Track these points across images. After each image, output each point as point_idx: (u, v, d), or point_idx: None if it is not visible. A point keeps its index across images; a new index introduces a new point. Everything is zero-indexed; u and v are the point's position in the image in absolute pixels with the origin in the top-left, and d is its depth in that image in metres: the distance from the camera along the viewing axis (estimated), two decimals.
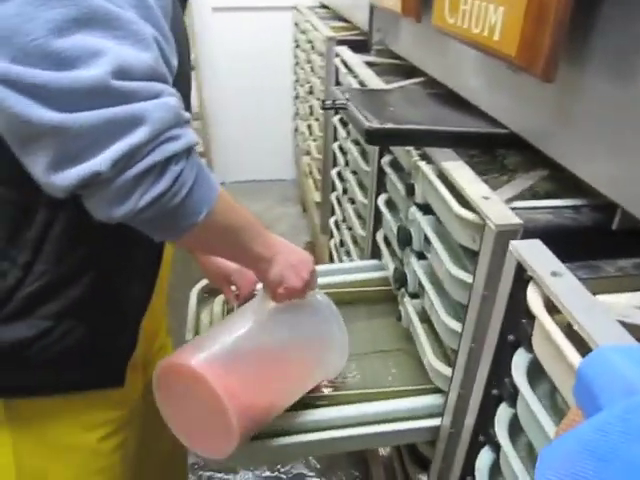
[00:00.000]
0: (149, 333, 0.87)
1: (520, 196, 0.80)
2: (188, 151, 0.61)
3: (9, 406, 0.76)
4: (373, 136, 0.89)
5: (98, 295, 0.75)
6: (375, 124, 0.89)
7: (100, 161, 0.53)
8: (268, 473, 1.71)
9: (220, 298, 1.22)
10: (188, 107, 0.81)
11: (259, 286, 1.07)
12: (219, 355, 0.81)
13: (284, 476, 1.70)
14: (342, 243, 1.86)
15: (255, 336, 0.87)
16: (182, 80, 0.70)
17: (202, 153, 3.44)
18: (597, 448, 0.38)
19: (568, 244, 0.66)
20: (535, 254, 0.61)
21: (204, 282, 1.26)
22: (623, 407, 0.40)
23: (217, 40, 3.37)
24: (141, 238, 0.68)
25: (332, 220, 2.03)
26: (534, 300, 0.58)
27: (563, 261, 0.62)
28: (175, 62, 0.64)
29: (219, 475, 1.70)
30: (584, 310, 0.52)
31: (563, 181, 0.84)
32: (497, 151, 0.99)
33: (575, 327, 0.51)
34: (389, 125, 0.88)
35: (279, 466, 1.73)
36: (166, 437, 0.88)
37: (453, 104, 1.06)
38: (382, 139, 0.92)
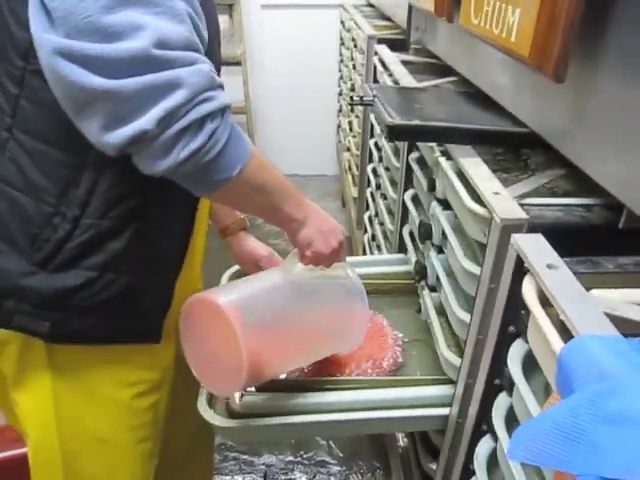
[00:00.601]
0: (181, 302, 0.93)
1: (535, 193, 0.82)
2: (222, 111, 0.68)
3: (51, 351, 0.83)
4: (394, 132, 0.92)
5: (137, 249, 0.81)
6: (397, 120, 0.92)
7: (146, 120, 0.62)
8: (291, 458, 1.76)
9: None
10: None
11: None
12: (243, 299, 0.87)
13: (307, 462, 1.75)
14: (374, 237, 1.89)
15: (278, 291, 0.92)
16: (213, 53, 0.77)
17: None
18: (566, 428, 0.41)
19: (574, 241, 0.68)
20: (534, 247, 0.64)
21: (236, 267, 1.32)
22: (593, 391, 0.43)
23: (265, 36, 3.44)
24: (177, 197, 0.78)
25: (366, 215, 2.07)
26: (528, 291, 0.60)
27: (566, 256, 0.64)
28: (206, 35, 0.71)
29: (244, 457, 1.76)
30: (572, 301, 0.54)
31: (584, 180, 0.86)
32: (522, 150, 1.00)
33: (561, 317, 0.54)
34: (410, 121, 0.90)
35: (302, 452, 1.78)
36: (195, 414, 0.94)
37: (481, 103, 1.08)
38: (403, 135, 0.95)
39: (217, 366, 0.88)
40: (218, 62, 0.86)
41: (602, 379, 0.45)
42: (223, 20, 3.37)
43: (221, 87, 0.69)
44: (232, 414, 0.98)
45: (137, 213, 0.79)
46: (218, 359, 0.87)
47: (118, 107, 0.61)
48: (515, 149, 0.99)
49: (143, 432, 0.95)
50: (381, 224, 1.76)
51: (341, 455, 1.77)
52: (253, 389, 1.00)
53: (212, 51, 0.76)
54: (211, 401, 1.01)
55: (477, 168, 0.86)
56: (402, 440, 1.35)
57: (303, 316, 0.95)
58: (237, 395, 1.00)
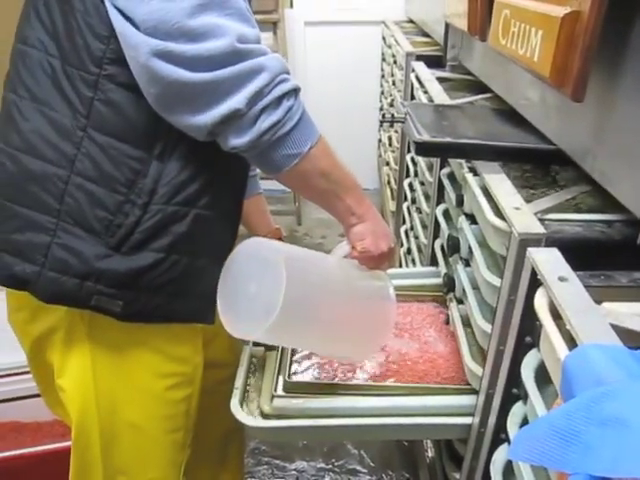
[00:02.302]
0: None
1: (557, 209, 0.84)
2: (296, 92, 0.80)
3: (93, 340, 0.90)
4: (422, 148, 0.96)
5: (198, 232, 0.89)
6: (425, 137, 0.96)
7: (237, 100, 0.74)
8: (323, 465, 1.79)
9: None
10: None
11: None
12: (294, 254, 0.96)
13: (337, 469, 1.77)
14: (409, 251, 1.92)
15: (327, 266, 0.98)
16: None
17: None
18: (562, 430, 0.44)
19: (592, 255, 0.71)
20: (548, 260, 0.66)
21: None
22: (588, 396, 0.45)
23: (308, 52, 3.52)
24: (231, 186, 0.92)
25: (403, 229, 2.09)
26: (540, 302, 0.63)
27: (583, 270, 0.66)
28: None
29: (277, 462, 1.81)
30: (579, 312, 0.57)
31: (609, 197, 0.87)
32: (552, 167, 1.02)
33: (567, 326, 0.56)
34: (436, 138, 0.94)
35: (334, 459, 1.81)
36: (225, 416, 0.99)
37: (513, 120, 1.11)
38: (430, 151, 0.99)
39: (246, 307, 0.89)
40: None
41: (599, 385, 0.48)
42: (267, 37, 3.47)
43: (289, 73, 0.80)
44: (263, 415, 1.03)
45: (198, 199, 0.88)
46: (250, 300, 0.88)
47: (215, 93, 0.74)
48: (544, 166, 1.01)
49: (175, 422, 1.00)
50: (416, 238, 1.79)
51: (372, 465, 1.79)
52: (282, 392, 1.05)
53: None
54: (243, 402, 1.06)
55: (501, 184, 0.88)
56: (430, 450, 1.37)
57: (341, 299, 0.99)
58: (267, 397, 1.05)
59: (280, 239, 1.23)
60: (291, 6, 3.45)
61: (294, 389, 1.06)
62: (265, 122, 0.77)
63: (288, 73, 0.79)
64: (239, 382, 1.07)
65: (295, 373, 1.11)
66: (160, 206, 0.85)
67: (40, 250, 0.83)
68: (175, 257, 0.88)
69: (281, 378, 1.08)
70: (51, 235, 0.83)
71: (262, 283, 0.86)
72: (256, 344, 1.17)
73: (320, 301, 0.94)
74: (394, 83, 2.46)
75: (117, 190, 0.83)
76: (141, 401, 0.96)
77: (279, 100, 0.77)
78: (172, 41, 0.71)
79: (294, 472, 1.77)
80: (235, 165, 0.92)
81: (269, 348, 1.18)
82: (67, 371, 0.93)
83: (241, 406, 1.04)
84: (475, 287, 1.00)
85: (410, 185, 1.90)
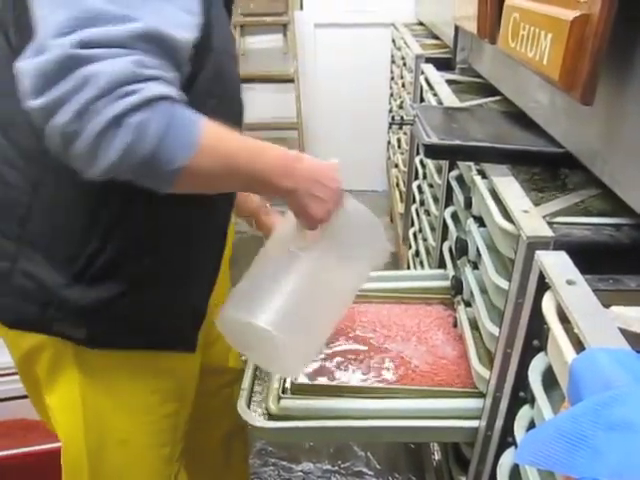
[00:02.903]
0: (209, 320, 0.98)
1: (566, 212, 0.84)
2: (148, 103, 0.63)
3: (81, 356, 0.87)
4: (431, 151, 0.96)
5: (166, 264, 0.86)
6: (433, 139, 0.96)
7: (61, 116, 0.61)
8: (329, 466, 1.79)
9: None
10: (238, 100, 0.90)
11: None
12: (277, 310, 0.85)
13: (344, 472, 1.77)
14: (417, 253, 1.91)
15: (302, 277, 0.88)
16: (227, 70, 0.82)
17: None
18: (569, 434, 0.44)
19: (600, 259, 0.70)
20: (556, 264, 0.66)
21: None
22: (596, 400, 0.45)
23: (318, 54, 3.53)
24: (200, 215, 0.82)
25: (411, 231, 2.09)
26: (548, 306, 0.63)
27: (592, 274, 0.66)
28: (186, 38, 0.69)
29: (283, 463, 1.81)
30: (587, 316, 0.57)
31: (619, 200, 0.87)
32: (561, 170, 1.02)
33: (575, 330, 0.56)
34: (445, 141, 0.94)
35: (340, 461, 1.80)
36: (229, 416, 0.98)
37: (522, 123, 1.11)
38: (439, 154, 0.99)
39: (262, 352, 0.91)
40: (232, 75, 0.87)
41: (606, 389, 0.47)
42: (277, 38, 3.48)
43: (155, 79, 0.64)
44: (270, 416, 1.03)
45: (164, 230, 0.84)
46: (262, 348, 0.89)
47: (57, 119, 0.62)
48: (553, 169, 1.01)
49: (163, 437, 0.99)
50: (424, 240, 1.79)
51: (378, 467, 1.79)
52: (289, 393, 1.05)
53: (222, 62, 0.80)
54: (250, 403, 1.06)
55: (509, 186, 0.88)
56: (437, 454, 1.37)
57: (329, 285, 0.94)
58: (274, 399, 1.05)
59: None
60: (301, 8, 3.45)
61: (301, 390, 1.06)
62: (111, 149, 0.62)
63: (141, 81, 0.63)
64: (246, 383, 1.08)
65: (303, 374, 1.12)
66: (123, 236, 0.81)
67: (1, 276, 0.82)
68: (141, 289, 0.85)
69: (288, 379, 1.08)
70: (12, 261, 0.81)
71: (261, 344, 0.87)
72: None
73: (315, 312, 0.91)
74: (403, 85, 2.46)
75: (79, 219, 0.79)
76: (129, 418, 0.94)
77: (121, 118, 0.62)
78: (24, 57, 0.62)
79: (300, 473, 1.77)
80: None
81: None
82: (55, 390, 0.92)
83: (248, 407, 1.04)
84: (483, 290, 0.99)
85: (419, 187, 1.90)
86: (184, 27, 0.68)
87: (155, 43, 0.65)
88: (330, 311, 0.96)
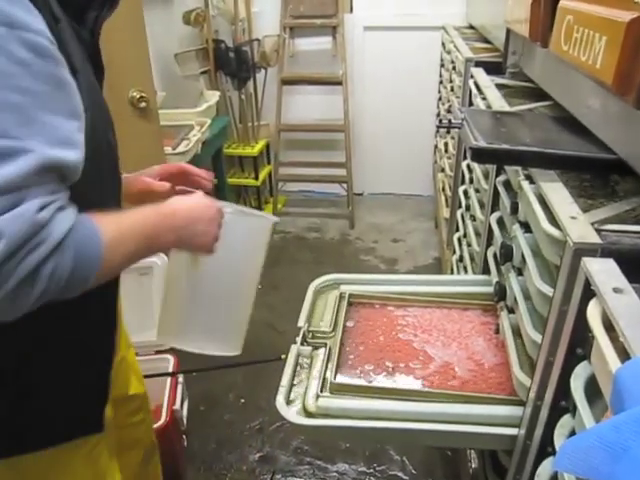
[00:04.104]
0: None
1: (616, 219, 0.82)
2: (57, 247, 0.63)
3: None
4: (477, 154, 0.95)
5: (54, 368, 0.84)
6: (481, 143, 0.95)
7: None
8: (364, 469, 1.79)
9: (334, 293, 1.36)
10: (115, 172, 0.90)
11: None
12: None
13: (379, 474, 1.77)
14: (461, 259, 1.90)
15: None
16: (103, 151, 0.80)
17: (343, 164, 3.62)
18: (610, 444, 0.43)
19: None
20: (603, 271, 0.65)
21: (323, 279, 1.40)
22: None
23: (366, 57, 3.54)
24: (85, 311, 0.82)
25: (456, 236, 2.07)
26: (593, 313, 0.62)
27: (637, 283, 0.64)
28: (76, 159, 0.66)
29: (318, 462, 1.82)
30: (633, 324, 0.55)
31: None
32: (611, 177, 0.99)
33: (620, 338, 0.55)
34: (493, 145, 0.93)
35: (375, 464, 1.80)
36: (142, 440, 1.07)
37: (572, 128, 1.08)
38: (486, 158, 0.98)
39: None
40: (110, 153, 0.86)
41: None
42: (327, 41, 3.50)
43: (56, 212, 0.63)
44: (307, 414, 1.04)
45: (46, 336, 0.82)
46: None
47: None
48: (603, 175, 0.98)
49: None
50: (469, 245, 1.77)
51: (414, 472, 1.77)
52: (327, 392, 1.06)
53: (102, 146, 0.80)
54: (288, 400, 1.08)
55: (557, 192, 0.87)
56: (474, 461, 1.35)
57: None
58: (313, 397, 1.06)
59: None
60: (351, 11, 3.47)
61: (340, 390, 1.07)
62: (29, 298, 0.62)
63: (43, 228, 0.61)
64: (285, 380, 1.09)
65: (341, 374, 1.12)
66: (1, 350, 0.78)
67: None
68: (30, 396, 0.83)
69: (327, 378, 1.09)
70: None
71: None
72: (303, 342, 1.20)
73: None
74: (452, 89, 2.44)
75: None
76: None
77: (35, 271, 0.61)
78: None
79: (335, 474, 1.78)
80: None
81: (316, 347, 1.19)
82: None
83: (286, 404, 1.06)
84: (527, 296, 0.98)
85: (465, 192, 1.88)
86: (73, 142, 0.66)
87: (49, 173, 0.63)
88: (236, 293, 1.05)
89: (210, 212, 0.90)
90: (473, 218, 1.70)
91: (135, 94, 1.91)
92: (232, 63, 3.26)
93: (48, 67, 0.62)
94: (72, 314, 0.83)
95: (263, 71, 3.48)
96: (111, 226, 0.71)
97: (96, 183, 0.79)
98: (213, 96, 3.01)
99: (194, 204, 0.89)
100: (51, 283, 0.63)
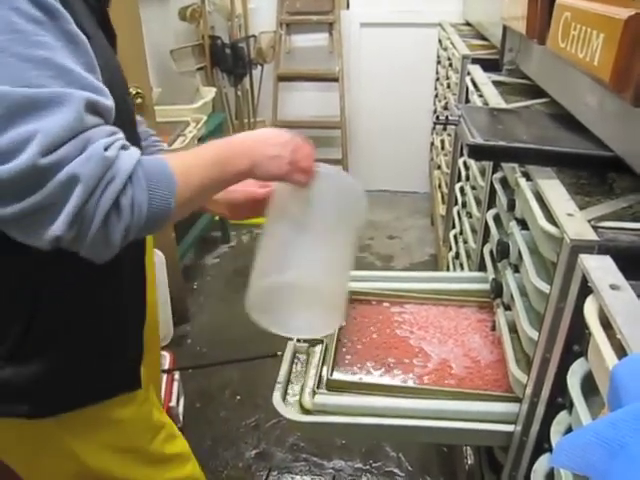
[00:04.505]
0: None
1: (613, 217, 0.82)
2: (129, 180, 0.65)
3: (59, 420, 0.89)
4: (475, 151, 0.95)
5: (94, 328, 0.87)
6: (478, 140, 0.95)
7: (57, 227, 0.61)
8: (360, 465, 1.79)
9: None
10: (131, 128, 0.88)
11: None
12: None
13: (375, 471, 1.77)
14: (457, 255, 1.90)
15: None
16: (122, 109, 0.77)
17: (339, 160, 3.61)
18: (607, 440, 0.43)
19: None
20: (600, 268, 0.65)
21: None
22: (638, 406, 0.44)
23: (363, 53, 3.53)
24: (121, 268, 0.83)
25: (452, 233, 2.07)
26: (590, 310, 0.62)
27: (634, 280, 0.64)
28: (110, 103, 0.67)
29: (314, 459, 1.82)
30: (631, 321, 0.55)
31: None
32: (608, 174, 0.99)
33: (618, 335, 0.55)
34: (490, 142, 0.93)
35: (371, 460, 1.81)
36: None
37: (569, 125, 1.08)
38: (483, 154, 0.98)
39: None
40: (128, 116, 0.86)
41: None
42: (323, 37, 3.50)
43: (124, 148, 0.66)
44: (304, 410, 1.04)
45: (86, 297, 0.84)
46: None
47: (29, 224, 0.62)
48: (600, 173, 0.98)
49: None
50: (465, 242, 1.77)
51: (410, 469, 1.78)
52: (324, 389, 1.06)
53: (121, 107, 0.77)
54: (285, 397, 1.08)
55: (554, 189, 0.87)
56: (470, 458, 1.35)
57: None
58: (309, 393, 1.06)
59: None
60: (347, 7, 3.46)
61: (336, 387, 1.07)
62: (116, 234, 0.64)
63: (113, 164, 0.63)
64: (281, 377, 1.09)
65: (338, 371, 1.12)
66: (48, 313, 0.80)
67: None
68: (73, 355, 0.85)
69: (324, 375, 1.09)
70: None
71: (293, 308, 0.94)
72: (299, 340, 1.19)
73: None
74: (449, 86, 2.44)
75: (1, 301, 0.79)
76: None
77: (117, 203, 0.64)
78: None
79: (331, 470, 1.78)
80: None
81: (313, 344, 1.19)
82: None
83: (283, 400, 1.06)
84: (523, 293, 0.98)
85: (461, 189, 1.88)
86: (102, 90, 0.67)
87: (97, 113, 0.65)
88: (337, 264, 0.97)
89: (282, 137, 0.87)
90: (469, 215, 1.70)
91: (131, 90, 1.90)
92: (228, 59, 3.25)
93: (60, 24, 0.63)
94: (107, 276, 0.84)
95: (259, 67, 3.48)
96: (178, 160, 0.74)
97: None
98: (209, 92, 3.00)
99: (264, 130, 0.88)
100: (133, 213, 0.65)
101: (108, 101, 0.67)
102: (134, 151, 0.68)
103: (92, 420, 0.92)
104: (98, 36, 0.75)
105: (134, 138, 0.90)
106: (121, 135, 0.68)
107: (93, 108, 0.64)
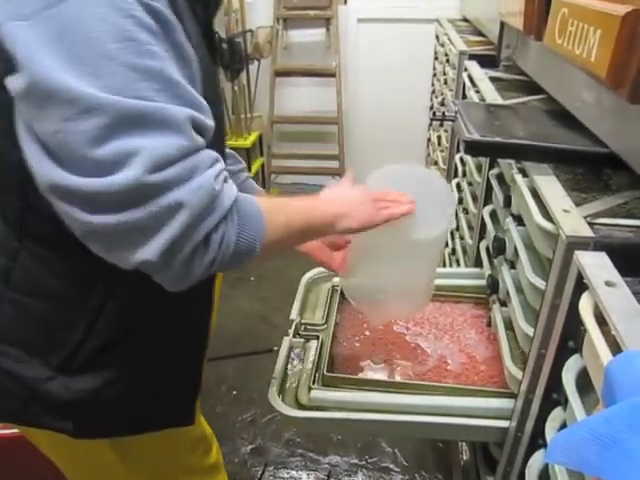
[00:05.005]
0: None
1: (608, 213, 0.82)
2: (226, 216, 0.64)
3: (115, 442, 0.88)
4: (471, 147, 0.95)
5: (155, 344, 0.83)
6: (474, 136, 0.95)
7: (149, 251, 0.59)
8: (356, 460, 1.80)
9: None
10: (223, 149, 0.85)
11: None
12: None
13: (371, 466, 1.78)
14: (454, 251, 1.90)
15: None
16: (217, 131, 0.75)
17: (336, 156, 3.61)
18: (601, 436, 0.43)
19: None
20: (595, 264, 0.65)
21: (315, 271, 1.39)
22: (632, 403, 0.45)
23: (360, 49, 3.52)
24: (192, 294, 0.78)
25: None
26: (585, 306, 0.62)
27: (630, 276, 0.64)
28: (211, 123, 0.66)
29: (310, 454, 1.82)
30: (626, 318, 0.56)
31: None
32: (605, 171, 0.99)
33: (612, 332, 0.55)
34: (486, 138, 0.93)
35: (367, 456, 1.81)
36: None
37: (566, 122, 1.08)
38: (480, 150, 0.98)
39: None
40: (222, 137, 0.85)
41: None
42: (320, 33, 3.49)
43: (223, 182, 0.64)
44: (300, 406, 1.04)
45: (150, 312, 0.81)
46: None
47: (119, 240, 0.60)
48: (596, 169, 0.98)
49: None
50: (461, 238, 1.77)
51: (405, 464, 1.78)
52: (320, 384, 1.06)
53: (217, 130, 0.75)
54: (280, 392, 1.08)
55: (550, 185, 0.87)
56: (465, 453, 1.36)
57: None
58: (305, 389, 1.06)
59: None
60: (345, 2, 3.45)
61: (332, 382, 1.07)
62: (197, 267, 0.63)
63: (217, 197, 0.62)
64: (277, 372, 1.09)
65: (333, 366, 1.13)
66: (107, 323, 0.77)
67: None
68: (130, 373, 0.82)
69: (320, 371, 1.09)
70: None
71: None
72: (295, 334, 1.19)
73: None
74: (446, 82, 2.44)
75: (60, 306, 0.76)
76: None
77: (206, 240, 0.62)
78: (75, 171, 0.56)
79: (327, 466, 1.79)
80: None
81: (308, 339, 1.19)
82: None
83: (278, 395, 1.06)
84: (519, 289, 0.98)
85: (458, 185, 1.88)
86: (203, 106, 0.65)
87: (199, 131, 0.63)
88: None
89: (364, 198, 0.89)
90: (466, 211, 1.70)
91: None
92: (225, 54, 3.23)
93: (172, 35, 0.61)
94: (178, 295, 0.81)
95: (256, 62, 3.46)
96: (267, 203, 0.73)
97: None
98: None
99: (348, 195, 0.90)
100: (220, 250, 0.64)
101: (209, 120, 0.65)
102: (233, 186, 0.67)
103: (142, 443, 0.89)
104: (202, 47, 0.73)
105: (224, 158, 0.88)
106: (222, 164, 0.66)
107: (197, 126, 0.62)
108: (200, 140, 0.62)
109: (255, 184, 1.11)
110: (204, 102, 0.64)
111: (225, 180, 0.65)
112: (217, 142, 0.72)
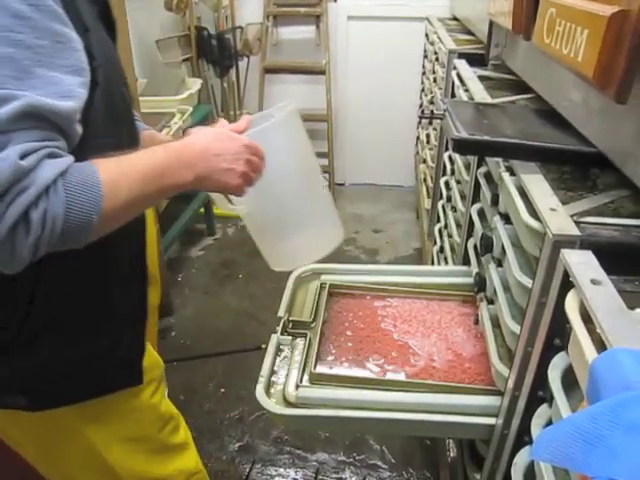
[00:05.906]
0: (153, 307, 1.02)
1: (595, 212, 0.83)
2: (45, 192, 0.61)
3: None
4: (459, 146, 0.96)
5: (92, 311, 0.87)
6: (462, 134, 0.95)
7: None
8: (344, 458, 1.80)
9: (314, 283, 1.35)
10: (130, 124, 0.87)
11: None
12: None
13: (358, 464, 1.78)
14: (442, 249, 1.91)
15: None
16: (118, 103, 0.77)
17: (325, 154, 3.61)
18: (586, 433, 0.44)
19: (627, 261, 0.69)
20: (582, 263, 0.65)
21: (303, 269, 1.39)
22: (616, 400, 0.45)
23: (350, 47, 3.52)
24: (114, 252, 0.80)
25: (437, 227, 2.08)
26: (571, 304, 0.62)
27: (618, 275, 0.65)
28: (70, 105, 0.65)
29: (298, 452, 1.82)
30: (610, 316, 0.56)
31: None
32: (592, 170, 1.00)
33: (597, 330, 0.55)
34: (474, 136, 0.93)
35: (355, 453, 1.81)
36: None
37: (553, 121, 1.09)
38: (468, 149, 0.98)
39: None
40: (123, 106, 0.84)
41: (627, 390, 0.47)
42: (310, 30, 3.48)
43: (44, 157, 0.62)
44: (287, 404, 1.04)
45: (79, 283, 0.83)
46: None
47: None
48: (583, 168, 0.99)
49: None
50: (449, 236, 1.78)
51: (393, 461, 1.79)
52: (307, 382, 1.06)
53: (116, 97, 0.77)
54: (268, 390, 1.07)
55: (537, 184, 0.87)
56: (452, 450, 1.37)
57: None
58: (293, 387, 1.06)
59: None
60: (335, 0, 3.44)
61: (319, 380, 1.07)
62: (25, 247, 0.61)
63: (27, 174, 0.60)
64: (265, 370, 1.09)
65: (321, 364, 1.13)
66: (46, 298, 0.80)
67: None
68: (68, 344, 0.85)
69: (307, 368, 1.09)
70: None
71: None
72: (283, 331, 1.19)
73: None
74: (435, 80, 2.44)
75: None
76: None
77: (26, 214, 0.60)
78: None
79: (315, 463, 1.79)
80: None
81: (295, 337, 1.19)
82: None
83: (266, 393, 1.05)
84: (506, 287, 0.99)
85: (446, 183, 1.89)
86: (70, 95, 0.64)
87: (37, 118, 0.62)
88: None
89: (233, 146, 0.81)
90: (454, 209, 1.71)
91: None
92: (214, 51, 3.22)
93: (46, 21, 0.61)
94: (105, 267, 0.84)
95: (246, 59, 3.45)
96: (111, 169, 0.68)
97: (111, 136, 0.78)
98: (195, 84, 2.97)
99: (213, 138, 0.80)
100: (45, 229, 0.61)
101: (67, 105, 0.64)
102: (61, 160, 0.64)
103: (105, 409, 0.92)
104: (97, 28, 0.73)
105: (131, 133, 0.88)
106: (56, 143, 0.65)
107: (38, 112, 0.61)
108: (29, 123, 0.61)
109: (143, 124, 1.05)
110: (71, 89, 0.64)
111: (51, 156, 0.63)
112: (120, 116, 0.74)
